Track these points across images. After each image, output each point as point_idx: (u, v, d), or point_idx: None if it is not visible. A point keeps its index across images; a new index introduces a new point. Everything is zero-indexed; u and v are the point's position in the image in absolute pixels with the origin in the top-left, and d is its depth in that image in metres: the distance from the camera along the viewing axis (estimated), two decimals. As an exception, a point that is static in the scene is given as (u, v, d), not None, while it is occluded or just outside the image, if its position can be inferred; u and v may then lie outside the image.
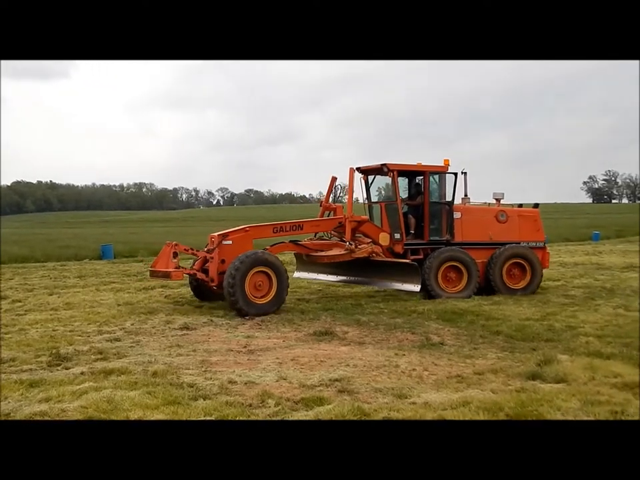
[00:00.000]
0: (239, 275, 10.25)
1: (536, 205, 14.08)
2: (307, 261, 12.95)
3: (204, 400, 5.47)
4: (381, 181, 13.49)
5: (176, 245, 11.00)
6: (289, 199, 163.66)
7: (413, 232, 12.72)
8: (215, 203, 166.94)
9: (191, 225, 71.81)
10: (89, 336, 8.59)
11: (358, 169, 12.91)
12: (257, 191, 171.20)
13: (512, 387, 5.88)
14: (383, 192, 13.87)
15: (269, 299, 10.52)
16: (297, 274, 14.09)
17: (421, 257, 12.52)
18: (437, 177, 12.76)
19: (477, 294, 12.25)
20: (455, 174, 12.55)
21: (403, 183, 13.15)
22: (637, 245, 29.57)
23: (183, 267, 11.16)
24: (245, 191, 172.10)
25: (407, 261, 12.08)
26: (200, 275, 11.03)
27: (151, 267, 11.45)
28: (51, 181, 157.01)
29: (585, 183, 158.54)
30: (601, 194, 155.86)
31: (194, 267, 11.26)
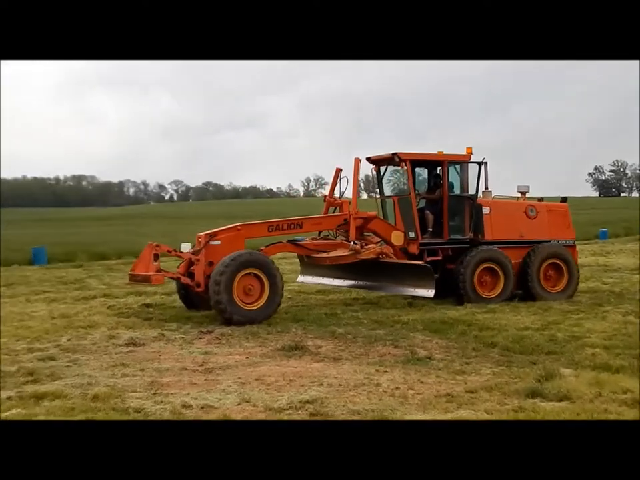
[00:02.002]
0: (225, 277, 10.41)
1: (564, 199, 14.42)
2: (308, 263, 13.19)
3: (153, 427, 5.43)
4: (396, 173, 13.76)
5: (157, 246, 11.15)
6: (253, 192, 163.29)
7: (430, 230, 12.88)
8: (167, 197, 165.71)
9: (140, 223, 71.10)
10: (17, 354, 8.49)
11: (368, 158, 13.15)
12: (216, 184, 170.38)
13: (509, 406, 5.95)
14: (397, 184, 14.14)
15: (260, 304, 10.75)
16: (300, 278, 14.37)
17: (440, 258, 12.72)
18: (457, 167, 13.01)
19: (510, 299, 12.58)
20: (479, 163, 12.77)
21: (420, 174, 13.44)
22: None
23: (164, 270, 11.34)
24: (203, 183, 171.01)
25: (419, 262, 12.22)
26: (184, 280, 11.22)
27: (130, 271, 11.66)
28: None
29: (590, 174, 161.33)
30: (608, 186, 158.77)
31: (178, 270, 11.43)
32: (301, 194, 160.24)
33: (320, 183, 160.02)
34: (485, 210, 12.98)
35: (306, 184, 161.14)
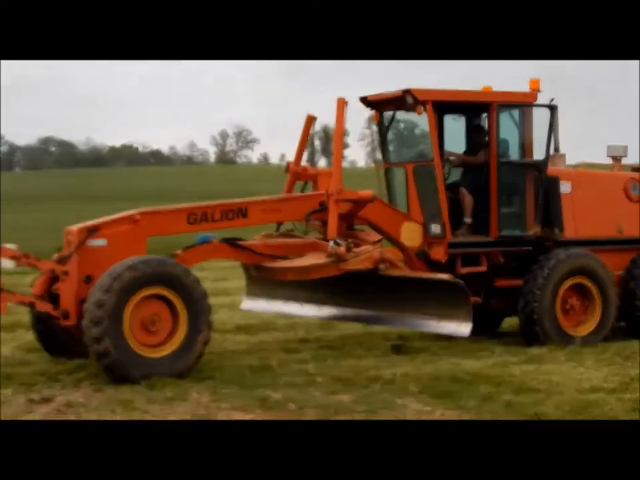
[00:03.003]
0: (112, 302, 10.43)
1: None
2: (259, 277, 13.33)
3: None
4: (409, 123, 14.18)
5: None
6: (128, 156, 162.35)
7: (468, 221, 13.11)
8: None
9: None
10: None
11: (363, 99, 13.39)
12: (63, 142, 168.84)
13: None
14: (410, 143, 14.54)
15: (172, 349, 10.90)
16: (246, 303, 14.56)
17: (484, 268, 12.94)
18: (515, 113, 13.23)
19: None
20: (550, 107, 13.03)
21: (453, 125, 13.81)
22: None
23: (8, 291, 11.39)
24: (39, 140, 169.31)
25: (447, 276, 12.28)
26: (42, 306, 11.34)
27: None
28: None
29: None
30: None
31: (32, 291, 11.55)
32: (212, 159, 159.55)
33: (245, 139, 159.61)
34: (564, 187, 13.23)
35: (221, 141, 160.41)
